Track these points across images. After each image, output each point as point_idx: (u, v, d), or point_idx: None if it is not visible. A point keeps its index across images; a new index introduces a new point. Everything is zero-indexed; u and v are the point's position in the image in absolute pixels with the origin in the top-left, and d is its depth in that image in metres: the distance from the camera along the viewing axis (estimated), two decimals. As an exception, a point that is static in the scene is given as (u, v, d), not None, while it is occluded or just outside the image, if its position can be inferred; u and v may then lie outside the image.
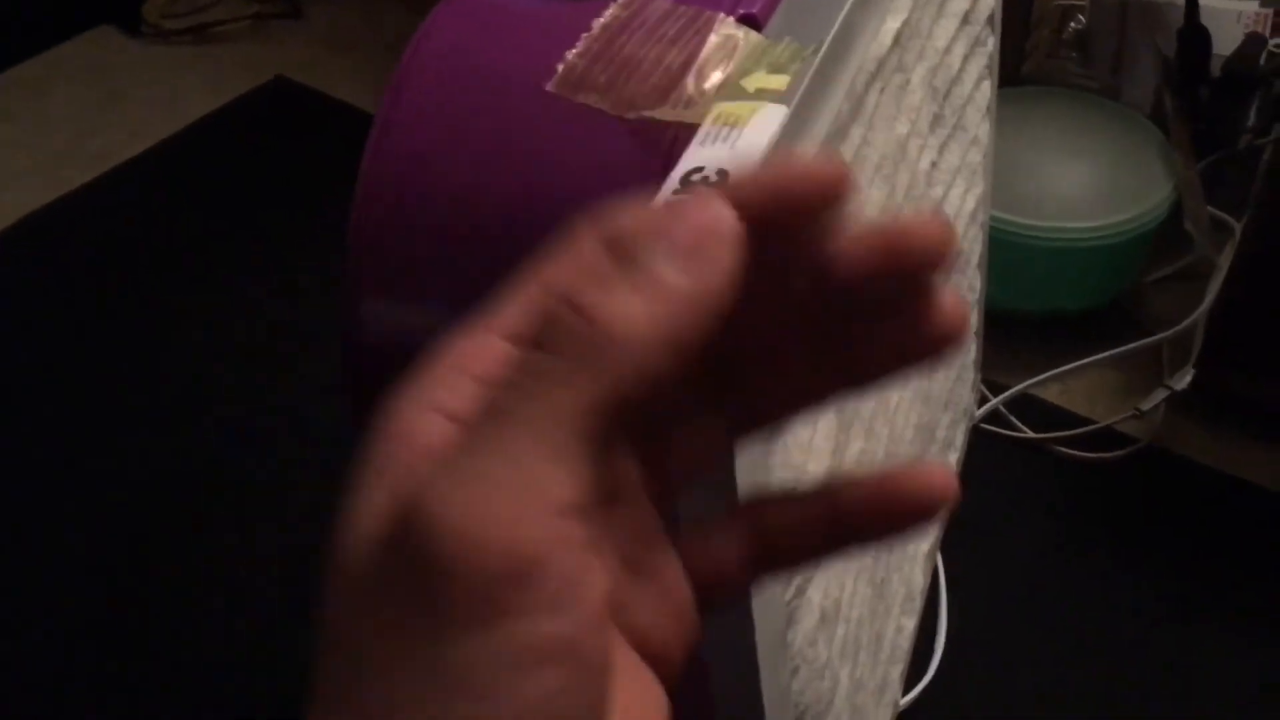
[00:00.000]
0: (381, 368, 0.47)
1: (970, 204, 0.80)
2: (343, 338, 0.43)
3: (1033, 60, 1.19)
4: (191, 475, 1.04)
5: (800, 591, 0.48)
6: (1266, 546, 0.91)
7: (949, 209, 0.74)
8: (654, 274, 0.22)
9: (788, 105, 0.38)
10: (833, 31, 0.42)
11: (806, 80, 0.39)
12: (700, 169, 0.36)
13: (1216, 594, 0.89)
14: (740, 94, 0.39)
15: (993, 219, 0.99)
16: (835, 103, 0.44)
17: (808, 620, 0.50)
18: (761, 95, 0.39)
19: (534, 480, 0.21)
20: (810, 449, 0.47)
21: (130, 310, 1.21)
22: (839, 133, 0.46)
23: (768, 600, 0.44)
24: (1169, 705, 0.83)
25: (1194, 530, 0.93)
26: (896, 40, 0.53)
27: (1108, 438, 1.00)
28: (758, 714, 0.46)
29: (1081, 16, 1.18)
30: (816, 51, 0.40)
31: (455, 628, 0.20)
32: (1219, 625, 0.87)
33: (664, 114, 0.39)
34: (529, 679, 0.20)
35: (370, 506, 0.22)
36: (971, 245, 0.84)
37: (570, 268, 0.23)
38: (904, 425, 0.71)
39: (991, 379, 1.04)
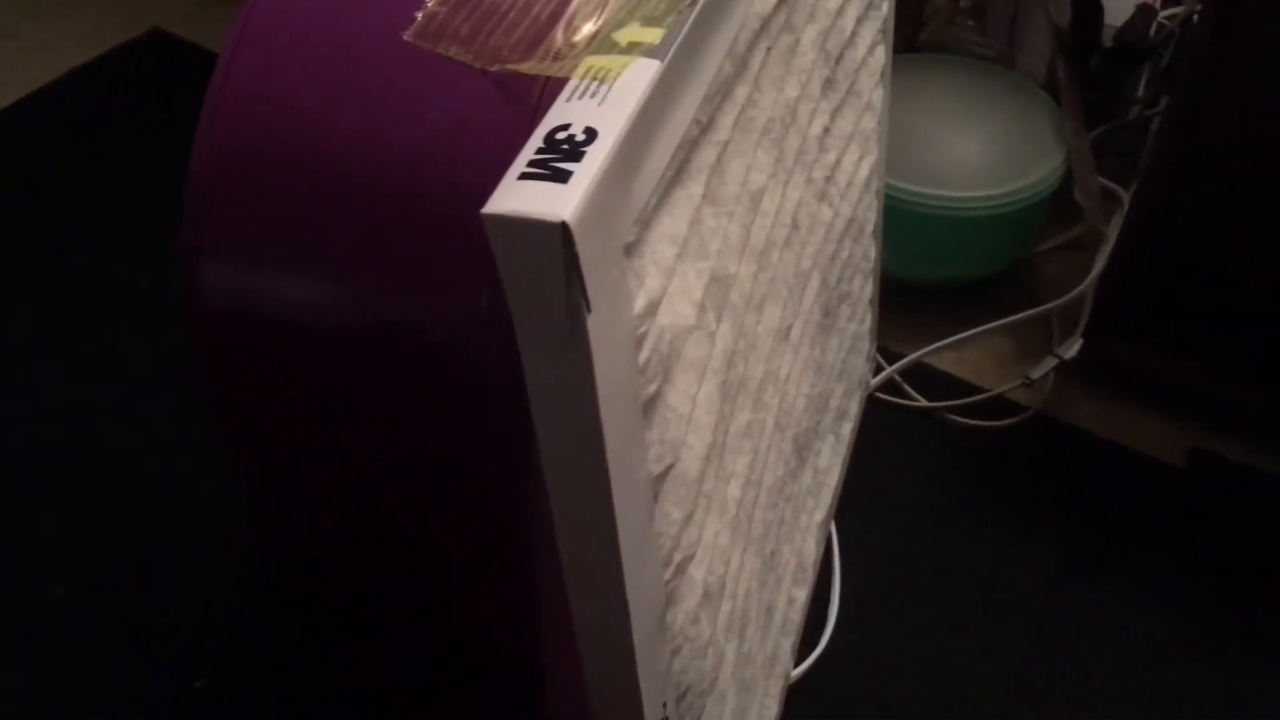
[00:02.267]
0: (223, 324, 0.44)
1: (864, 171, 0.78)
2: (182, 293, 0.40)
3: (930, 28, 1.19)
4: (35, 438, 0.98)
5: (680, 570, 0.47)
6: (1150, 511, 0.93)
7: (842, 176, 0.73)
8: None
9: (660, 60, 0.36)
10: (712, -17, 0.39)
11: (682, 34, 0.37)
12: (567, 126, 0.34)
13: (1102, 557, 0.90)
14: (611, 47, 0.37)
15: (888, 188, 0.99)
16: (715, 59, 0.42)
17: (689, 599, 0.49)
18: (634, 49, 0.36)
19: None
20: (692, 422, 0.45)
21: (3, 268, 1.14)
22: (720, 91, 0.44)
23: (644, 582, 0.43)
24: (1058, 667, 0.84)
25: (1081, 495, 0.95)
26: (783, -3, 0.51)
27: (999, 406, 1.00)
28: (634, 695, 0.44)
29: (979, -16, 1.18)
30: (694, 4, 0.38)
31: None
32: (1106, 586, 0.88)
33: (530, 68, 0.36)
34: None
35: None
36: (866, 214, 0.83)
37: None
38: (795, 395, 0.70)
39: (886, 348, 1.04)
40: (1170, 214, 0.90)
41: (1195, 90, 0.85)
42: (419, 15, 0.38)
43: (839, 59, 0.67)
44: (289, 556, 0.56)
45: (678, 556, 0.46)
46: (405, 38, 0.37)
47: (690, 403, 0.45)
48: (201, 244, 0.41)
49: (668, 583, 0.46)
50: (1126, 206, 1.03)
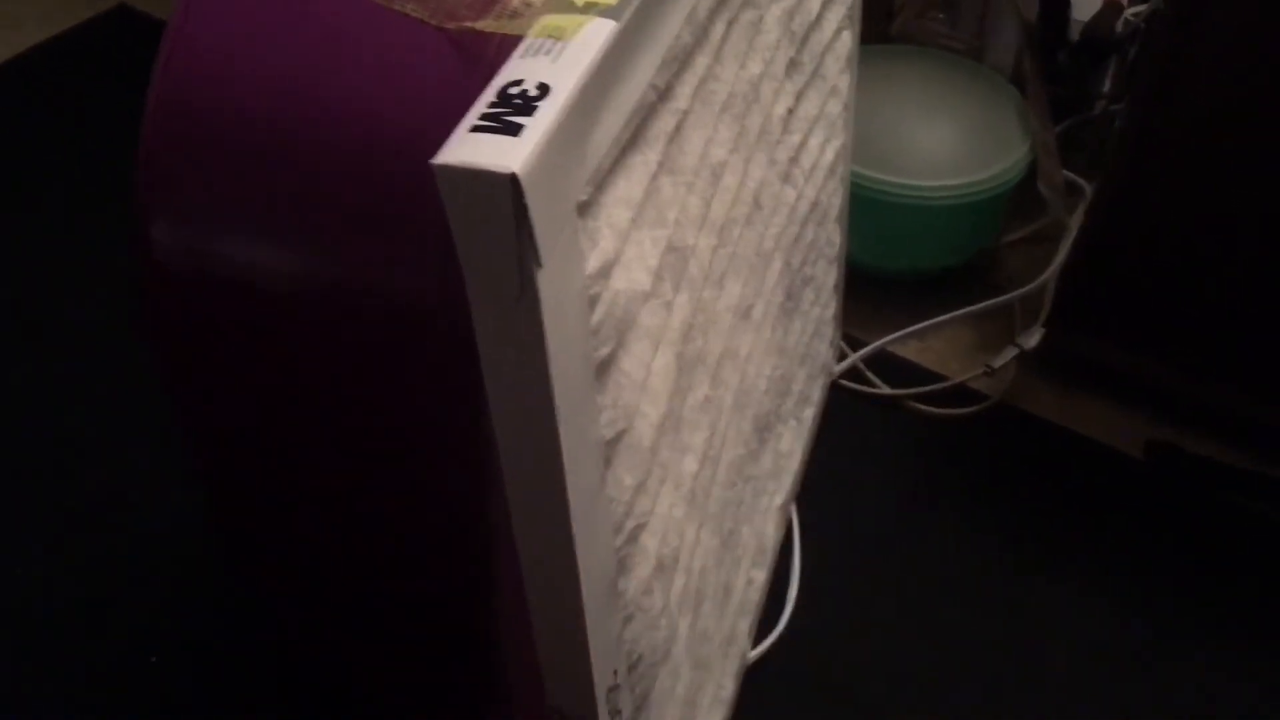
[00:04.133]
0: (175, 285, 0.43)
1: (829, 156, 0.79)
2: (135, 256, 0.40)
3: (901, 19, 1.20)
4: (19, 417, 0.97)
5: (633, 538, 0.47)
6: (1108, 500, 0.94)
7: (806, 159, 0.73)
8: None
9: (617, 20, 0.36)
10: (671, -52, 0.39)
11: (639, -4, 0.37)
12: (519, 81, 0.34)
13: (1061, 545, 0.91)
14: (569, 7, 0.37)
15: (854, 175, 0.99)
16: (672, 25, 0.42)
17: (642, 568, 0.49)
18: (590, 9, 0.36)
19: None
20: (645, 389, 0.45)
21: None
22: (680, 58, 0.44)
23: (595, 546, 0.43)
24: (1015, 653, 0.85)
25: (1040, 484, 0.96)
26: (746, -30, 0.51)
27: (961, 394, 1.01)
28: (583, 661, 0.44)
29: (949, -22, 1.18)
30: (651, -33, 0.38)
31: None
32: (1063, 574, 0.89)
33: (486, 25, 0.36)
34: None
35: None
36: (830, 199, 0.84)
37: None
38: (756, 375, 0.70)
39: (850, 335, 1.04)
40: (1132, 208, 0.91)
41: (1158, 85, 0.86)
42: (376, -29, 0.38)
43: (804, 40, 0.68)
44: (240, 527, 0.56)
45: (630, 524, 0.46)
46: (361, -7, 0.37)
47: (645, 370, 0.45)
48: (152, 204, 0.40)
49: (619, 549, 0.46)
50: (1089, 199, 1.03)
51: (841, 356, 1.02)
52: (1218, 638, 0.86)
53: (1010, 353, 1.00)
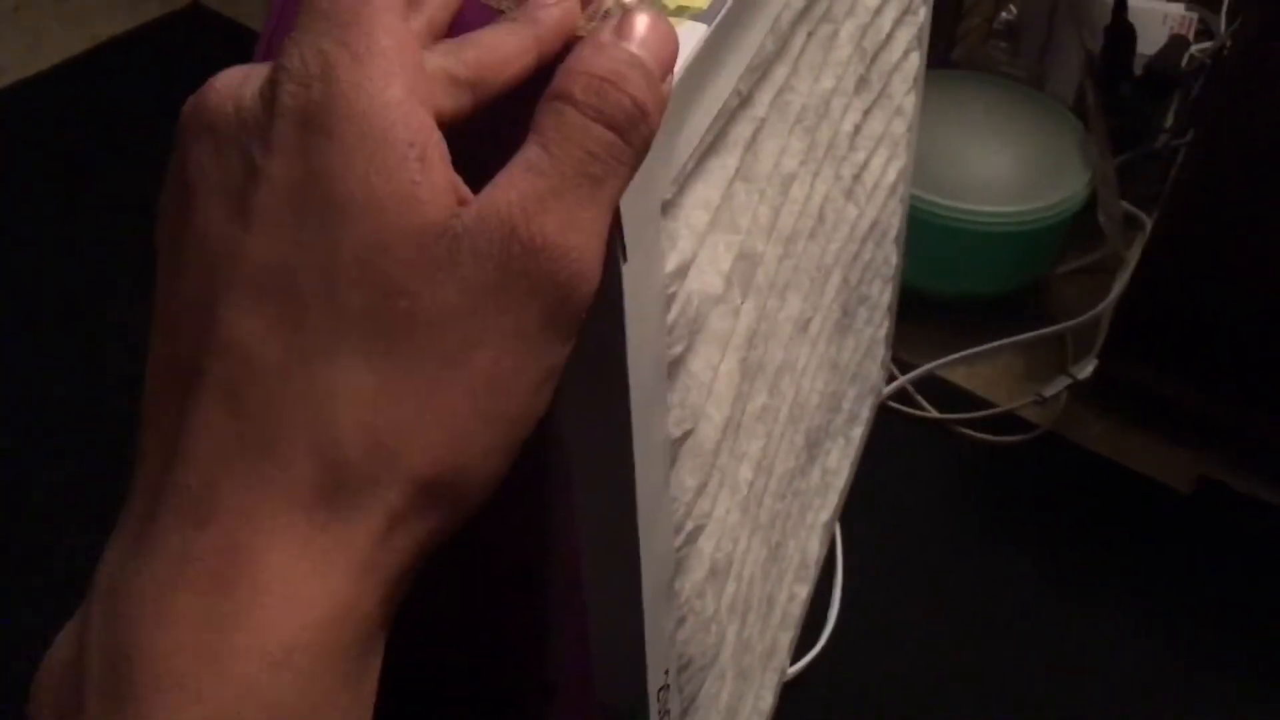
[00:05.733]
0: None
1: (891, 175, 0.79)
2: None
3: (963, 46, 1.20)
4: (78, 400, 0.99)
5: (691, 540, 0.47)
6: (1153, 535, 0.93)
7: (869, 177, 0.74)
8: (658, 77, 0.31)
9: (708, 24, 0.37)
10: (761, -43, 0.40)
11: (729, 2, 0.38)
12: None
13: (1104, 577, 0.91)
14: (661, 9, 0.37)
15: (913, 198, 1.00)
16: (758, 33, 0.42)
17: (698, 570, 0.49)
18: (682, 12, 0.37)
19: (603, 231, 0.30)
20: (711, 392, 0.46)
21: (24, 234, 1.15)
22: (761, 67, 0.45)
23: (657, 544, 0.43)
24: (1055, 685, 0.84)
25: (1086, 515, 0.95)
26: (826, -15, 0.51)
27: (1009, 422, 1.01)
28: (639, 658, 0.44)
29: (1013, 6, 1.18)
30: (742, -26, 0.39)
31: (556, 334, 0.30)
32: (1105, 607, 0.89)
33: (581, 26, 0.37)
34: None
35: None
36: (890, 219, 0.84)
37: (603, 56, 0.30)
38: (810, 389, 0.71)
39: (899, 357, 1.04)
40: (1191, 243, 0.91)
41: (1221, 122, 0.86)
42: (473, -29, 0.39)
43: (874, 58, 0.68)
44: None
45: (689, 525, 0.47)
46: (460, -9, 0.38)
47: (712, 372, 0.45)
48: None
49: (678, 550, 0.46)
50: (1148, 233, 1.03)
51: (890, 378, 1.02)
52: (1260, 679, 0.85)
53: (1062, 382, 1.00)
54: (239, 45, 1.40)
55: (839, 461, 0.86)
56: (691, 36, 0.36)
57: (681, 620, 0.49)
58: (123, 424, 0.98)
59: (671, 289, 0.39)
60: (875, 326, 0.88)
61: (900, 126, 0.79)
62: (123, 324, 1.05)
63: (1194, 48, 1.14)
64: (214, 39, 1.41)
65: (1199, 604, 0.89)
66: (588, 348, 0.36)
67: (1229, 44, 1.10)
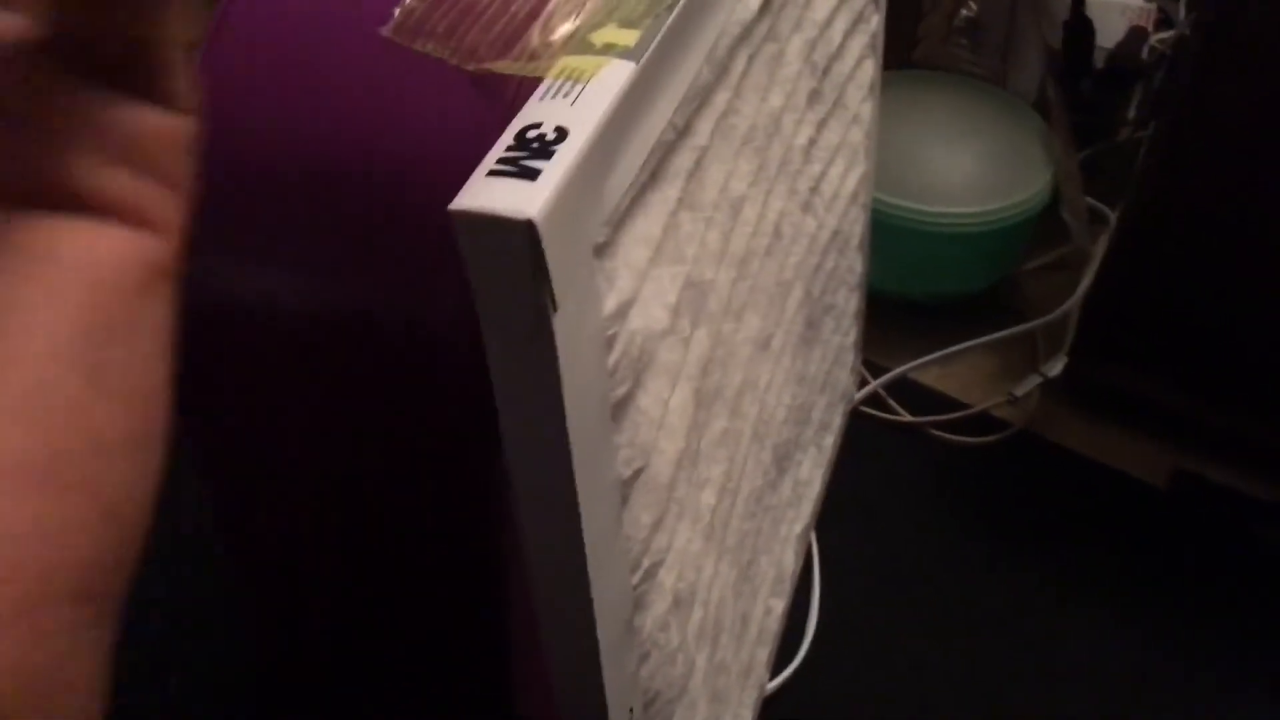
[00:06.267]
0: (193, 331, 0.44)
1: (851, 183, 0.79)
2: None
3: (924, 45, 1.20)
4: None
5: (649, 575, 0.47)
6: (1131, 531, 0.93)
7: (828, 188, 0.73)
8: None
9: (635, 62, 0.36)
10: (691, -12, 0.39)
11: (658, 38, 0.37)
12: (538, 125, 0.34)
13: (1083, 575, 0.90)
14: (588, 48, 0.37)
15: (876, 202, 0.99)
16: (692, 64, 0.42)
17: (659, 604, 0.49)
18: (609, 50, 0.36)
19: None
20: (663, 426, 0.45)
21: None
22: (699, 96, 0.44)
23: (611, 585, 0.42)
24: (1039, 685, 0.84)
25: (1063, 513, 0.95)
26: (766, 6, 0.51)
27: (983, 422, 1.01)
28: (599, 699, 0.44)
29: (973, 4, 1.18)
30: (671, 8, 0.38)
31: None
32: (1085, 605, 0.88)
33: (505, 67, 0.36)
34: None
35: None
36: (852, 227, 0.83)
37: None
38: (775, 405, 0.70)
39: (871, 361, 1.04)
40: (1157, 236, 0.91)
41: (1183, 112, 0.86)
42: (397, 11, 0.38)
43: (826, 70, 0.68)
44: (255, 556, 0.56)
45: (646, 561, 0.46)
46: (383, 33, 0.38)
47: (662, 407, 0.45)
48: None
49: (636, 587, 0.45)
50: (1113, 226, 1.03)
51: (862, 383, 1.02)
52: (1242, 669, 0.84)
53: (1033, 381, 1.00)
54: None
55: (811, 472, 0.86)
56: (619, 76, 0.35)
57: (645, 656, 0.48)
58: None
59: (612, 330, 0.38)
60: (843, 334, 0.88)
61: (858, 134, 0.78)
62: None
63: (1154, 38, 1.14)
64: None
65: (1180, 598, 0.89)
66: (525, 399, 0.35)
67: (1189, 33, 1.10)
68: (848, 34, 0.70)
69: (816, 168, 0.70)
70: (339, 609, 0.57)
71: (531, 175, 0.32)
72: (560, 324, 0.33)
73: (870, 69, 0.78)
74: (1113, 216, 1.10)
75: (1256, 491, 0.95)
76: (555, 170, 0.32)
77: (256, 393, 0.46)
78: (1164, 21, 1.15)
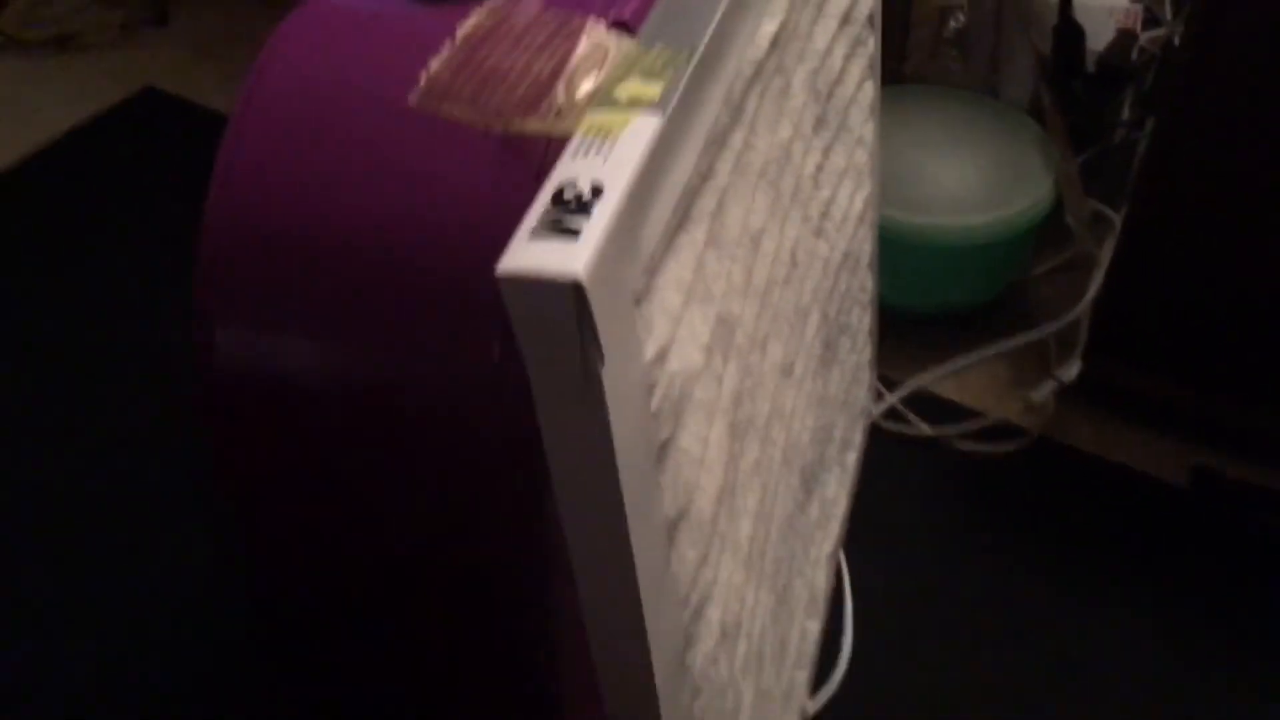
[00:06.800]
0: (237, 392, 0.44)
1: (859, 204, 0.79)
2: (195, 363, 0.41)
3: (914, 59, 1.21)
4: (49, 497, 0.98)
5: (699, 612, 0.47)
6: (1154, 531, 0.94)
7: (837, 211, 0.74)
8: None
9: (661, 114, 0.37)
10: (707, 36, 0.40)
11: (680, 88, 0.38)
12: (574, 183, 0.35)
13: (1109, 578, 0.91)
14: (612, 103, 0.37)
15: (882, 219, 1.00)
16: (712, 109, 0.42)
17: (708, 640, 0.49)
18: (634, 104, 0.37)
19: None
20: (703, 464, 0.46)
21: (-6, 337, 1.14)
22: (718, 139, 0.45)
23: (664, 624, 0.43)
24: (1069, 690, 0.84)
25: (1086, 517, 0.95)
26: (775, 42, 0.52)
27: (1001, 430, 1.01)
28: (658, 741, 0.44)
29: (961, 15, 1.19)
30: (690, 58, 0.39)
31: None
32: (1112, 608, 0.89)
33: (532, 126, 0.37)
34: None
35: None
36: (861, 246, 0.84)
37: None
38: (800, 429, 0.71)
39: (886, 376, 1.04)
40: (1160, 235, 0.92)
41: (1177, 111, 0.87)
42: (422, 78, 0.39)
43: (829, 97, 0.68)
44: (289, 614, 0.56)
45: (695, 598, 0.46)
46: (410, 102, 0.38)
47: (702, 445, 0.45)
48: (214, 309, 0.41)
49: (687, 625, 0.46)
50: (1118, 228, 1.04)
51: (879, 398, 1.02)
52: (1268, 665, 0.85)
53: (1049, 386, 1.00)
54: (193, 123, 1.40)
55: (836, 491, 0.86)
56: (647, 130, 0.36)
57: (697, 692, 0.49)
58: (96, 508, 0.97)
59: (653, 376, 0.39)
60: (859, 352, 0.88)
61: (862, 156, 0.79)
62: (97, 404, 1.05)
63: (1143, 38, 1.15)
64: (169, 119, 1.41)
65: (1205, 595, 0.89)
66: (576, 450, 0.36)
67: (1179, 32, 1.11)
68: (848, 59, 0.71)
69: (825, 192, 0.71)
70: (385, 669, 0.57)
71: (573, 234, 0.32)
72: (608, 376, 0.34)
73: (870, 90, 0.79)
74: (1116, 218, 1.11)
75: (1274, 484, 0.95)
76: (596, 227, 0.33)
77: (302, 458, 0.46)
78: (1150, 21, 1.16)
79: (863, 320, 0.88)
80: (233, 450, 0.44)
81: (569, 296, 0.31)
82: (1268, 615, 0.88)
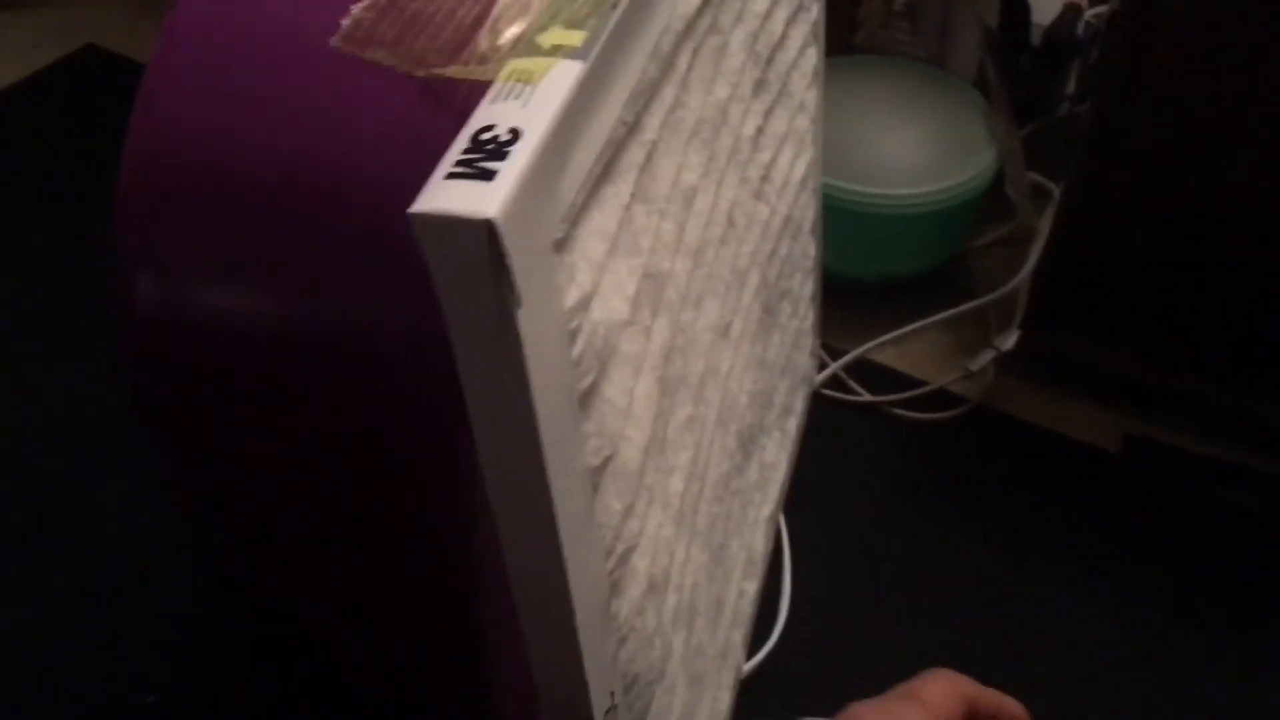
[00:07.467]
0: (158, 344, 0.44)
1: (800, 170, 0.80)
2: (116, 314, 0.40)
3: (865, 30, 1.21)
4: None
5: (623, 561, 0.48)
6: (1090, 497, 0.96)
7: (778, 175, 0.74)
8: None
9: (583, 61, 0.37)
10: (633, -13, 0.40)
11: (604, 37, 0.38)
12: (491, 127, 0.35)
13: (1045, 543, 0.93)
14: (535, 50, 0.38)
15: (826, 186, 1.01)
16: (638, 61, 0.43)
17: (634, 589, 0.50)
18: (557, 51, 0.37)
19: None
20: (629, 414, 0.46)
21: (-71, 297, 1.12)
22: (647, 91, 0.45)
23: (587, 572, 0.43)
24: (1008, 652, 0.86)
25: (1022, 483, 0.97)
26: (707, 1, 0.52)
27: (940, 398, 1.03)
28: (580, 685, 0.45)
29: (910, -13, 1.20)
30: (615, 6, 0.39)
31: None
32: (1049, 572, 0.91)
33: (455, 72, 0.37)
34: None
35: None
36: (804, 212, 0.85)
37: None
38: (738, 390, 0.71)
39: (828, 343, 1.05)
40: (1099, 208, 0.93)
41: (1118, 85, 0.88)
42: (344, 21, 0.39)
43: (770, 60, 0.69)
44: (224, 568, 0.56)
45: (620, 547, 0.47)
46: (331, 43, 0.38)
47: (627, 396, 0.46)
48: (132, 255, 0.41)
49: (611, 573, 0.47)
50: (1057, 201, 1.05)
51: (822, 366, 1.04)
52: (1203, 621, 0.87)
53: (987, 355, 1.02)
54: (137, 81, 1.37)
55: (776, 455, 0.87)
56: (568, 76, 0.36)
57: (623, 640, 0.50)
58: (55, 477, 0.96)
59: (574, 323, 0.39)
60: (800, 318, 0.89)
61: (804, 122, 0.80)
62: (43, 367, 1.03)
63: (1089, 13, 1.16)
64: (111, 78, 1.39)
65: (1139, 556, 0.91)
66: (493, 394, 0.36)
67: (1120, 7, 1.12)
68: (789, 23, 0.72)
69: (765, 155, 0.71)
70: (310, 615, 0.57)
71: (488, 176, 0.33)
72: (524, 319, 0.34)
73: (813, 57, 0.79)
74: (1056, 191, 1.13)
75: (1204, 450, 0.98)
76: (511, 170, 0.33)
77: (228, 404, 0.46)
78: (1096, -3, 1.17)
79: (805, 286, 0.89)
80: (154, 390, 0.44)
81: (482, 236, 0.32)
82: (1197, 573, 0.90)
